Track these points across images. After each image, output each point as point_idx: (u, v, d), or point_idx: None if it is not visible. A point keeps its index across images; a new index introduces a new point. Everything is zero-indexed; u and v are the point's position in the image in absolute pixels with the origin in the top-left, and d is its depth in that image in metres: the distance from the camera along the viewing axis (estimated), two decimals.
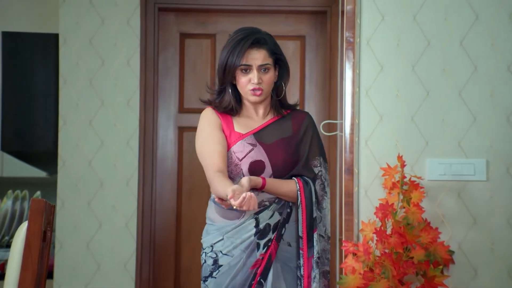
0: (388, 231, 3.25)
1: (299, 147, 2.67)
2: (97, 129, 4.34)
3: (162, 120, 4.46)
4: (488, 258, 3.42)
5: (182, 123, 4.50)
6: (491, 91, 3.45)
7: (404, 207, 3.25)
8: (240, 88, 2.63)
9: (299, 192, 2.62)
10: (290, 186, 2.63)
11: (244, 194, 2.33)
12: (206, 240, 2.65)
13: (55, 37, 4.50)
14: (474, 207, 3.44)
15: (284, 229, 2.60)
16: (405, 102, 3.48)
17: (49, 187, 4.89)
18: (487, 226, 3.43)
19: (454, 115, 3.46)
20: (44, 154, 4.90)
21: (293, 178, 2.66)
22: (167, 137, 4.47)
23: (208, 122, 2.68)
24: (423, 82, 3.48)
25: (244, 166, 2.62)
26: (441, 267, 3.25)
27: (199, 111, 4.69)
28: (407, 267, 3.15)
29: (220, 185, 2.48)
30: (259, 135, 2.64)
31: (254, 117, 2.70)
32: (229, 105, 2.66)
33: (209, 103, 2.73)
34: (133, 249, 4.31)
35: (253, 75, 2.57)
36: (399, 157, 3.30)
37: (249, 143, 2.62)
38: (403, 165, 3.28)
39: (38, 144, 4.78)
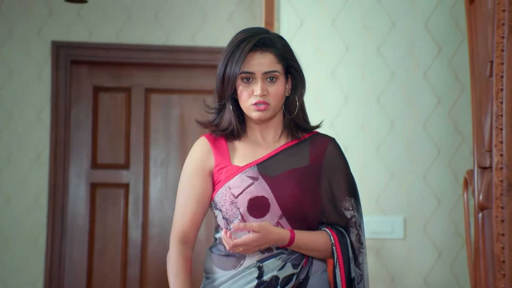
0: None
1: (319, 182, 2.12)
2: (4, 186, 4.13)
3: (73, 176, 4.29)
4: None
5: (95, 179, 4.34)
6: (407, 148, 3.47)
7: None
8: (241, 102, 2.12)
9: (334, 247, 2.08)
10: (323, 240, 2.09)
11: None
12: None
13: None
14: (392, 266, 3.42)
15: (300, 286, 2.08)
16: None
17: None
18: (404, 285, 3.41)
19: (372, 172, 3.46)
20: None
21: (324, 229, 2.12)
22: (78, 193, 4.30)
23: (193, 161, 2.16)
24: (342, 138, 3.47)
25: (242, 205, 2.07)
26: None
27: (113, 166, 4.62)
28: None
29: (171, 269, 2.08)
30: (263, 167, 2.11)
31: (261, 142, 2.18)
32: (230, 126, 2.14)
33: (206, 125, 2.20)
34: None
35: (257, 86, 2.08)
36: None
37: (249, 176, 2.09)
38: None
39: None
